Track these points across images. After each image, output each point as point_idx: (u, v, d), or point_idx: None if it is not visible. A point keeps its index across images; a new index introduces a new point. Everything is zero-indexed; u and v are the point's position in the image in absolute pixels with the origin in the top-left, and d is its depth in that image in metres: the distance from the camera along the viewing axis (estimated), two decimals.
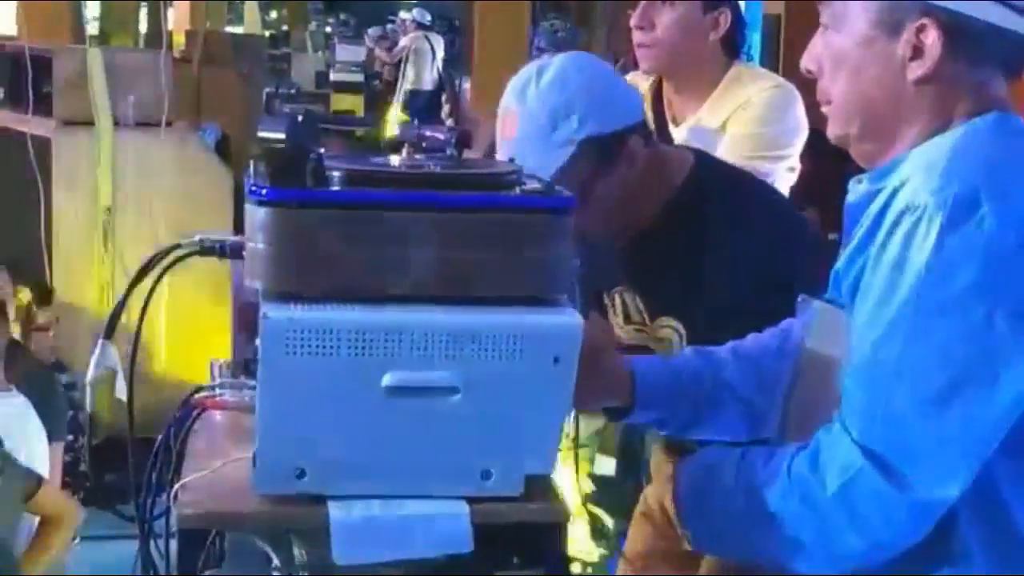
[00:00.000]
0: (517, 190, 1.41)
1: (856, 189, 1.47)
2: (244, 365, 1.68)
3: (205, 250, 1.45)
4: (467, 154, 2.13)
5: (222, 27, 11.02)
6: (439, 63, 11.59)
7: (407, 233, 1.34)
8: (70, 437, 4.15)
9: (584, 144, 1.91)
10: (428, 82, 11.54)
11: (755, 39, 6.30)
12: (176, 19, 9.14)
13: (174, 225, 4.35)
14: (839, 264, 1.45)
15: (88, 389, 1.47)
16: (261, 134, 1.32)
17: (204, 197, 4.46)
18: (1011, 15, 1.38)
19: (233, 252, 1.43)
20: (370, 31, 12.81)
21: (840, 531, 1.36)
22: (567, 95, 1.92)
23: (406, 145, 1.47)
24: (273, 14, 12.48)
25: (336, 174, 1.37)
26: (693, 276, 1.95)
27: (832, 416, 1.39)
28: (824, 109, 1.49)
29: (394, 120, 8.81)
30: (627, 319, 2.14)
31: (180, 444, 1.52)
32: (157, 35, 8.86)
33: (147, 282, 1.46)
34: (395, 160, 1.46)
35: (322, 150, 1.36)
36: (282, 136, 1.32)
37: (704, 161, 2.10)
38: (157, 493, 1.54)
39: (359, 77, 11.68)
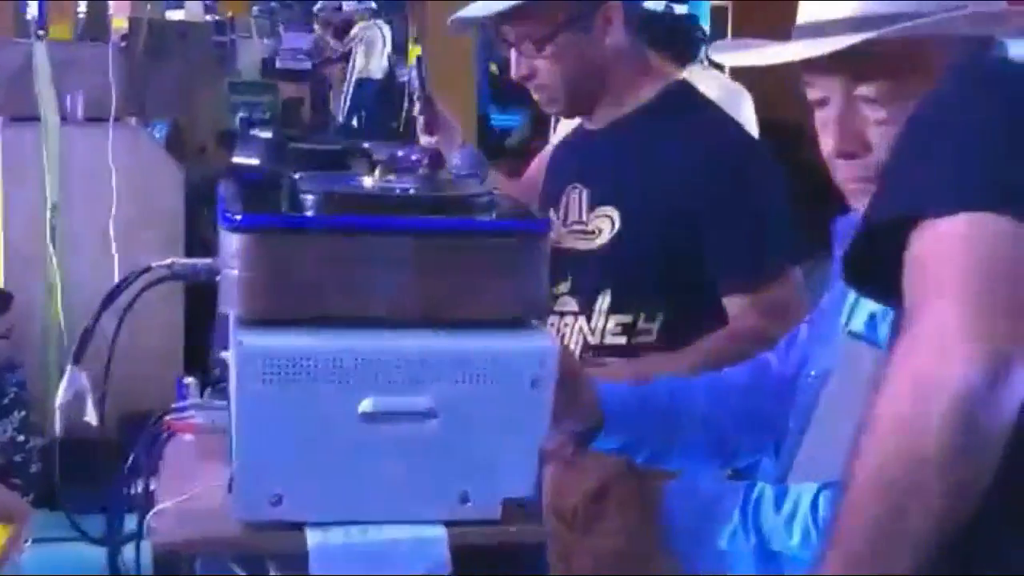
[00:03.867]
0: (492, 213, 1.41)
1: None
2: (213, 383, 1.67)
3: (177, 275, 1.43)
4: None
5: (162, 13, 10.86)
6: (388, 51, 11.53)
7: (383, 258, 1.33)
8: (21, 438, 4.10)
9: None
10: (378, 71, 11.47)
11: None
12: (116, 3, 8.99)
13: (123, 223, 4.30)
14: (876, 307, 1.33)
15: (57, 414, 1.45)
16: (236, 160, 1.31)
17: (154, 194, 4.41)
18: None
19: (206, 277, 1.42)
20: (318, 6, 12.68)
21: None
22: None
23: (379, 166, 1.46)
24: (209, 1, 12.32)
25: (310, 198, 1.36)
26: (643, 168, 1.99)
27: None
28: None
29: None
30: (565, 219, 2.09)
31: (150, 468, 1.50)
32: (96, 23, 8.74)
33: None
34: (368, 181, 1.45)
35: (297, 175, 1.35)
36: (257, 162, 1.30)
37: (688, 87, 2.13)
38: (126, 513, 1.53)
39: (306, 64, 11.56)
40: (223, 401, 1.60)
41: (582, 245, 2.02)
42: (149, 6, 9.36)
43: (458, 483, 1.37)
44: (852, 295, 1.39)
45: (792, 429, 1.48)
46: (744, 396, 1.62)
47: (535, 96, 2.10)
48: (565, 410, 1.56)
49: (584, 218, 2.05)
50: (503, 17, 2.00)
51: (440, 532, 1.36)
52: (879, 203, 1.10)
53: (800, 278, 2.01)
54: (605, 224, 2.00)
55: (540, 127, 5.91)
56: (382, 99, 11.38)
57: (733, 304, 1.97)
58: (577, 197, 2.06)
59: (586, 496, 1.47)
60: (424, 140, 2.25)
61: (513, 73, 2.08)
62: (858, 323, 1.40)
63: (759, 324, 1.91)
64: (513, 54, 2.04)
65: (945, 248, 1.00)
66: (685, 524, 1.44)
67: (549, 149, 2.47)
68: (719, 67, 2.94)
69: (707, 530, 1.42)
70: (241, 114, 1.68)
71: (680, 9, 2.88)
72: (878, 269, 1.08)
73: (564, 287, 2.04)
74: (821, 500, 1.33)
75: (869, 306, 1.37)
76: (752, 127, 2.56)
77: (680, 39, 2.89)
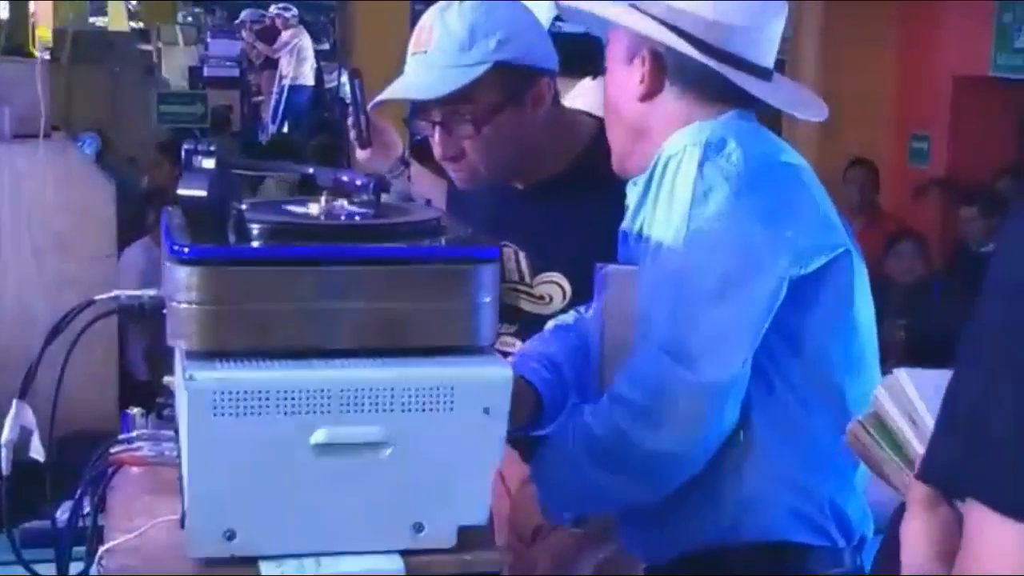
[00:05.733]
0: (441, 239, 1.40)
1: (634, 191, 1.73)
2: (158, 411, 1.65)
3: (123, 308, 1.41)
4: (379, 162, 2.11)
5: (86, 19, 10.73)
6: (314, 58, 11.48)
7: (332, 287, 1.32)
8: None
9: (497, 68, 1.89)
10: (308, 77, 11.42)
11: None
12: (38, 11, 8.86)
13: (56, 240, 4.24)
14: (624, 225, 1.72)
15: (3, 451, 1.42)
16: (181, 191, 1.29)
17: (87, 210, 4.35)
18: (687, 47, 1.67)
19: (152, 310, 1.40)
20: (244, 13, 12.57)
21: (664, 428, 1.56)
22: (491, 17, 1.91)
23: (324, 192, 1.45)
24: (134, 2, 12.16)
25: (257, 228, 1.35)
26: (586, 230, 1.93)
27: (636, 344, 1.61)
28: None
29: None
30: (503, 278, 2.04)
31: (98, 503, 1.48)
32: (19, 30, 8.60)
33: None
34: (314, 209, 1.44)
35: (243, 205, 1.34)
36: (204, 193, 1.29)
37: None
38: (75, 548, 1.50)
39: (234, 72, 11.49)
40: (170, 431, 1.59)
41: (532, 308, 1.99)
42: (71, 13, 9.25)
43: (412, 512, 1.36)
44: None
45: (595, 360, 1.75)
46: (581, 357, 1.81)
47: (453, 174, 2.00)
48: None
49: (528, 281, 2.01)
50: (433, 99, 1.91)
51: (396, 562, 1.35)
52: None
53: None
54: (555, 291, 1.98)
55: None
56: (313, 105, 11.33)
57: None
58: (514, 257, 2.02)
59: (546, 526, 1.50)
60: (359, 154, 2.20)
61: (440, 154, 1.97)
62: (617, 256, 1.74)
63: None
64: (439, 134, 1.94)
65: None
66: (549, 483, 1.70)
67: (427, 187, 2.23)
68: None
69: (556, 466, 1.67)
70: (186, 145, 1.64)
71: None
72: None
73: (509, 328, 2.01)
74: (612, 389, 1.62)
75: (623, 231, 1.73)
76: None
77: (587, 57, 2.88)
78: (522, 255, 2.03)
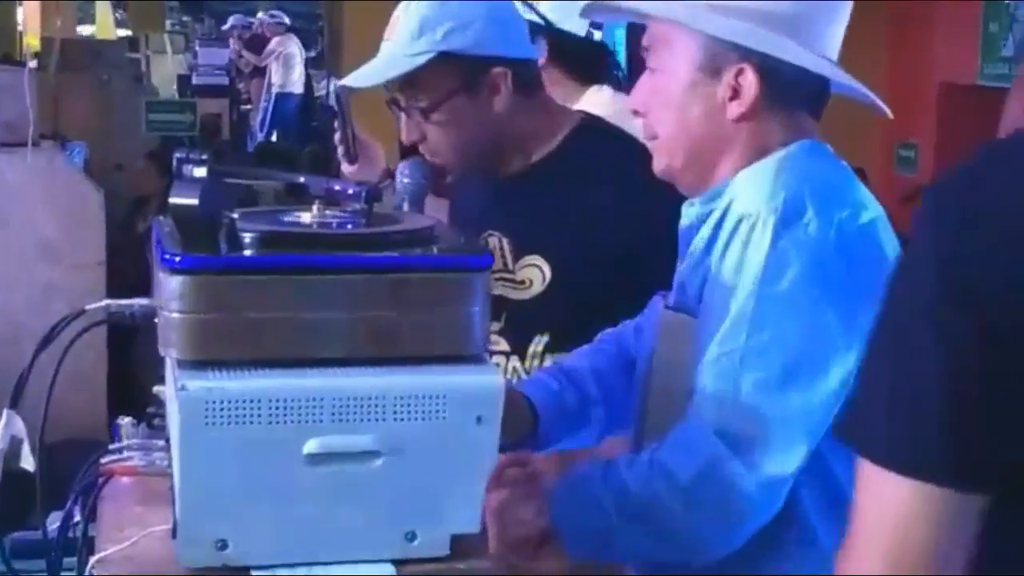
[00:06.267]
0: (434, 247, 1.40)
1: (688, 212, 1.60)
2: (149, 420, 1.64)
3: (113, 317, 1.41)
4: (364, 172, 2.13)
5: (74, 27, 10.70)
6: (303, 65, 11.46)
7: (325, 296, 1.32)
8: None
9: (442, 59, 1.92)
10: (297, 84, 11.41)
11: (621, 39, 6.36)
12: (25, 19, 8.84)
13: (45, 248, 4.23)
14: (682, 276, 1.59)
15: None
16: (173, 200, 1.29)
17: (76, 218, 4.34)
18: (817, 60, 1.54)
19: (143, 319, 1.39)
20: (232, 20, 12.56)
21: (702, 512, 1.46)
22: (444, 8, 1.94)
23: (317, 201, 1.45)
24: (121, 11, 12.15)
25: (249, 237, 1.35)
26: (566, 213, 1.96)
27: (686, 415, 1.49)
28: (649, 144, 1.63)
29: None
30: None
31: (89, 513, 1.48)
32: (6, 39, 8.57)
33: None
34: (306, 217, 1.44)
35: (235, 214, 1.34)
36: (195, 203, 1.29)
37: (594, 122, 2.11)
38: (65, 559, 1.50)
39: (224, 80, 11.48)
40: (161, 440, 1.58)
41: (513, 295, 2.00)
42: (59, 21, 9.22)
43: (405, 521, 1.36)
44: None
45: (638, 397, 1.65)
46: (619, 373, 1.74)
47: (429, 159, 2.06)
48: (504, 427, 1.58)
49: (511, 267, 2.02)
50: (392, 83, 1.99)
51: (389, 571, 1.35)
52: None
53: None
54: (535, 274, 1.99)
55: None
56: (302, 113, 11.32)
57: None
58: (497, 244, 2.03)
59: (536, 536, 1.49)
60: (345, 169, 2.22)
61: (404, 138, 2.06)
62: (672, 298, 1.62)
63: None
64: (404, 119, 2.02)
65: None
66: (570, 519, 1.53)
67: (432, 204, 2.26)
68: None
69: (581, 505, 1.53)
70: (177, 154, 1.64)
71: (597, 35, 2.88)
72: None
73: (494, 326, 2.02)
74: (655, 454, 1.50)
75: (681, 278, 1.59)
76: None
77: (593, 63, 2.88)
78: (506, 241, 2.04)
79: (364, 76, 2.01)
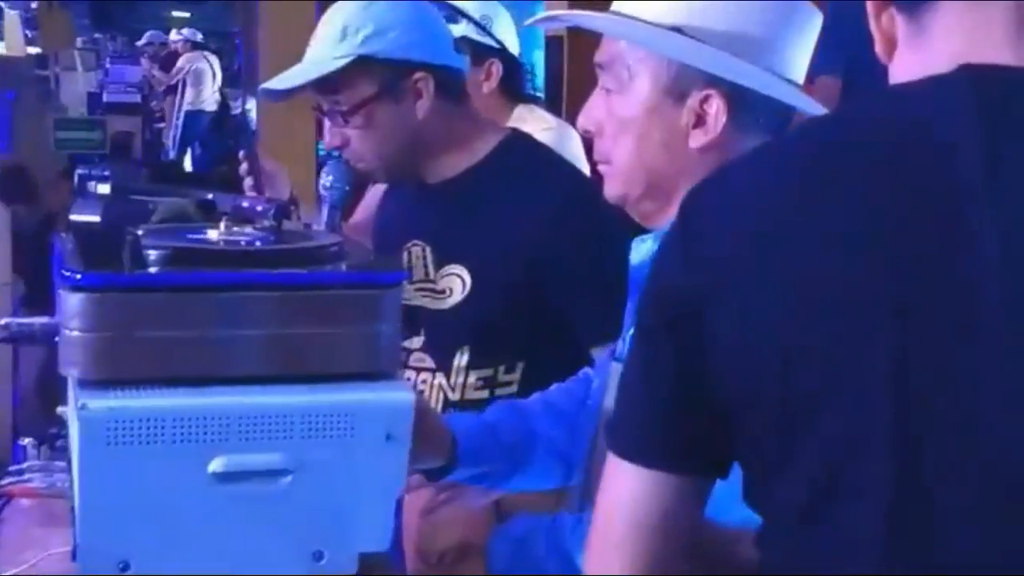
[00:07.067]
0: (343, 264, 1.39)
1: (640, 249, 1.47)
2: (51, 442, 1.61)
3: (13, 336, 1.38)
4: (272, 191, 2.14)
5: None
6: (218, 82, 11.36)
7: (231, 314, 1.30)
8: None
9: (362, 63, 1.95)
10: (209, 102, 11.30)
11: (539, 60, 6.41)
12: None
13: None
14: (633, 319, 1.46)
15: None
16: (74, 217, 1.26)
17: None
18: (790, 89, 1.44)
19: (43, 338, 1.36)
20: (147, 36, 12.43)
21: None
22: (367, 12, 1.97)
23: (224, 218, 1.44)
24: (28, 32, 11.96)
25: (154, 254, 1.32)
26: (489, 222, 1.98)
27: None
28: (602, 168, 1.51)
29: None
30: (410, 280, 2.07)
31: None
32: None
33: None
34: (214, 234, 1.42)
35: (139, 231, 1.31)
36: (97, 219, 1.26)
37: (521, 138, 2.13)
38: None
39: (136, 98, 11.33)
40: (62, 462, 1.55)
41: (433, 304, 2.00)
42: None
43: (313, 540, 1.34)
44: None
45: (585, 451, 1.59)
46: (575, 415, 1.68)
47: (353, 164, 2.09)
48: (417, 449, 1.56)
49: (432, 276, 2.03)
50: (314, 87, 2.01)
51: None
52: None
53: None
54: (455, 283, 1.99)
55: None
56: (215, 132, 11.22)
57: (599, 353, 1.98)
58: (421, 254, 2.04)
59: (454, 549, 1.47)
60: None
61: (326, 142, 2.09)
62: (622, 348, 1.52)
63: None
64: (326, 122, 2.05)
65: None
66: (505, 566, 1.50)
67: (376, 192, 2.43)
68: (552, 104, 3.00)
69: (521, 565, 1.50)
70: (79, 170, 1.61)
71: (514, 48, 2.90)
72: None
73: (417, 342, 2.02)
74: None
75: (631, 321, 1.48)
76: (582, 164, 2.59)
77: (514, 79, 2.93)
78: (428, 250, 2.05)
79: (285, 79, 2.03)
